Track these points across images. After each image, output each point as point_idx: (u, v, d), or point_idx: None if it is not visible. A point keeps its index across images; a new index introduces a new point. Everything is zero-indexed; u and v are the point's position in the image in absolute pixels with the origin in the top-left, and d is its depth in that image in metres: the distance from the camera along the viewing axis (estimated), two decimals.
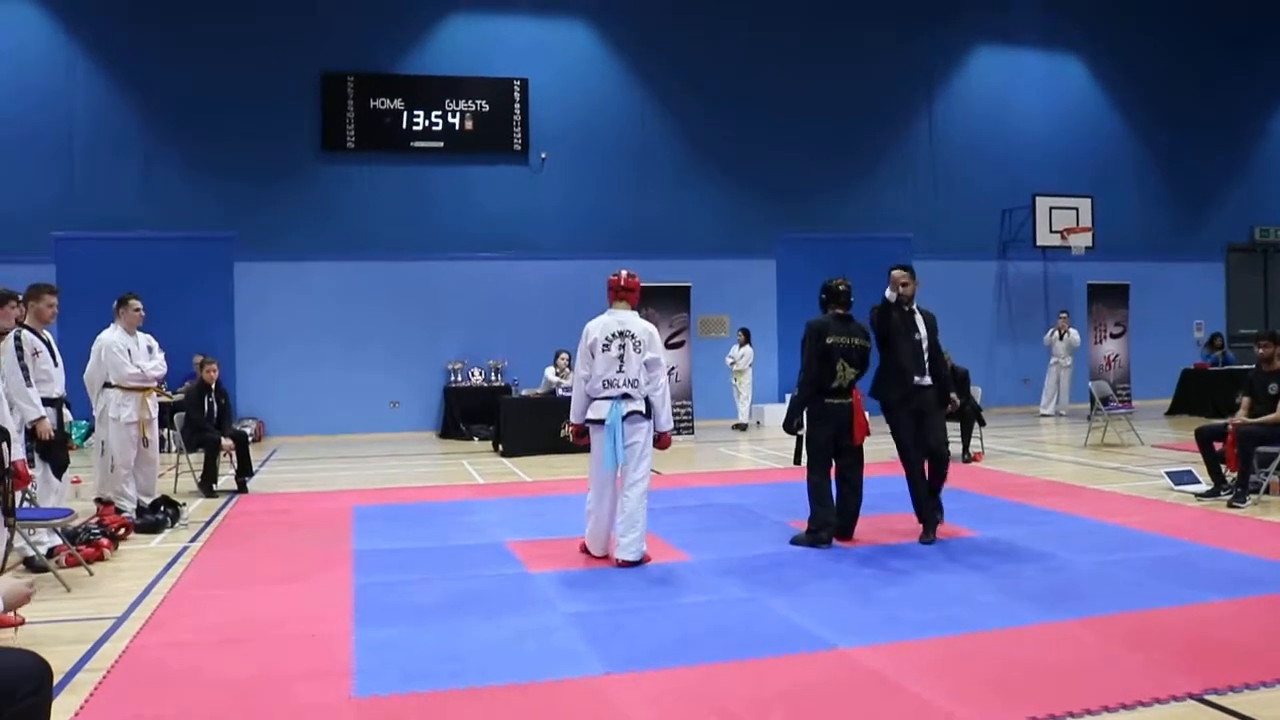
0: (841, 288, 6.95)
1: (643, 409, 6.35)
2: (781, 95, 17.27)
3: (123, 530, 7.34)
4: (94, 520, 7.25)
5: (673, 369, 14.01)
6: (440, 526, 7.86)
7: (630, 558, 6.23)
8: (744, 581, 5.87)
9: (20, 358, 6.54)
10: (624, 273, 6.61)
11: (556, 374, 13.43)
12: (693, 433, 14.79)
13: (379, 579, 6.06)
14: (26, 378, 6.51)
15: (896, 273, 7.01)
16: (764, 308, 17.26)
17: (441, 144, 16.16)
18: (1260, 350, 8.64)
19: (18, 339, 6.60)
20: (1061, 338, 17.13)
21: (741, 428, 15.72)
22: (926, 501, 6.93)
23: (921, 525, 6.93)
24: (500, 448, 13.12)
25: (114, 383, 8.04)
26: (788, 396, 11.75)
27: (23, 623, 5.07)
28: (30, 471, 6.33)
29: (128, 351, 8.12)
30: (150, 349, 8.40)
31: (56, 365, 7.00)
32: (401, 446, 14.35)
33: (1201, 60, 19.49)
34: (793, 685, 4.11)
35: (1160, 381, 17.65)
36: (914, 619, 5.02)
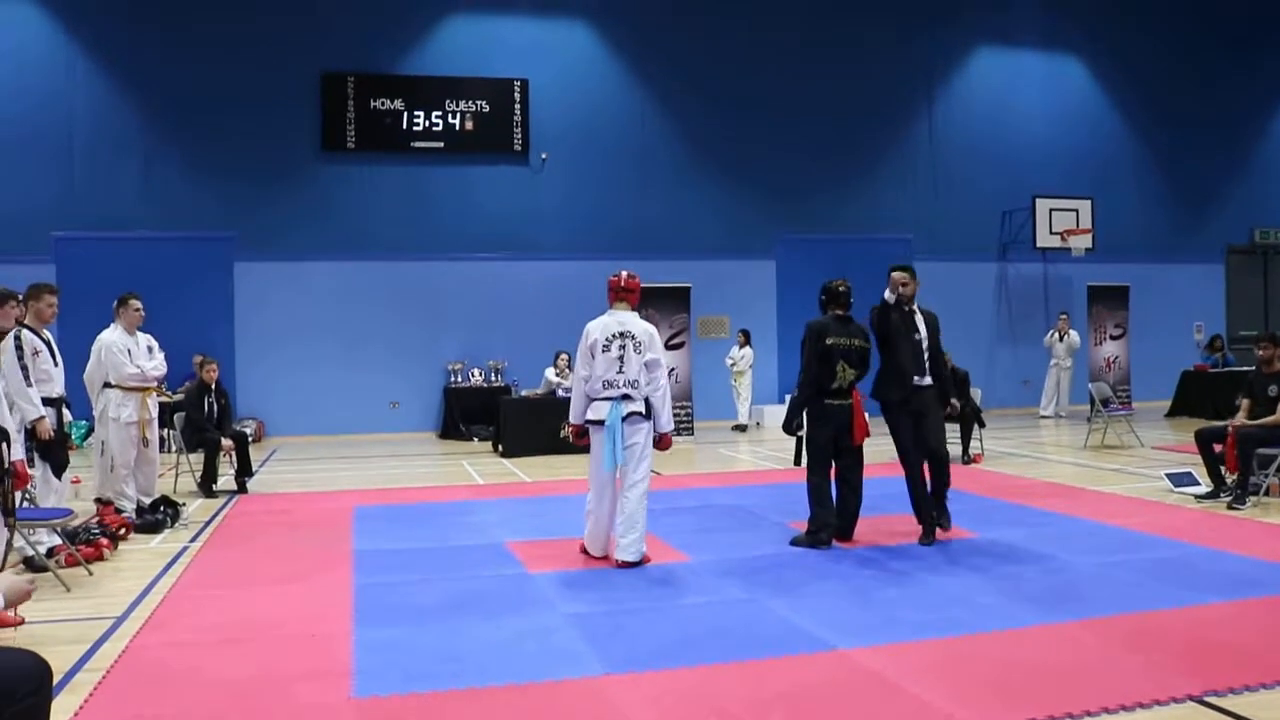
0: (841, 289, 6.95)
1: (643, 410, 6.35)
2: (781, 96, 17.27)
3: (122, 530, 7.34)
4: (94, 520, 7.25)
5: (672, 370, 14.01)
6: (440, 527, 7.86)
7: (630, 558, 6.23)
8: (744, 582, 5.87)
9: (20, 357, 6.54)
10: (624, 273, 6.61)
11: (556, 374, 13.43)
12: (692, 434, 14.79)
13: (379, 579, 6.06)
14: (26, 377, 6.52)
15: (896, 274, 7.00)
16: (764, 308, 17.26)
17: (442, 144, 16.16)
18: (1260, 352, 8.64)
19: (18, 338, 6.60)
20: (1061, 339, 17.13)
21: (741, 429, 15.72)
22: (926, 503, 6.92)
23: (921, 526, 6.92)
24: (500, 448, 13.12)
25: (114, 383, 8.04)
26: (787, 397, 11.74)
27: (22, 622, 5.08)
28: (30, 471, 6.33)
29: (128, 351, 8.12)
30: (150, 349, 8.40)
31: (56, 365, 7.00)
32: (401, 447, 14.35)
33: (1201, 61, 19.50)
34: (792, 686, 4.11)
35: (1160, 383, 17.66)
36: (914, 620, 5.02)
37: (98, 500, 7.87)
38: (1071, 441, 13.47)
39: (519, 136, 16.38)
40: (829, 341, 6.74)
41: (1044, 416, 17.20)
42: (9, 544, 5.71)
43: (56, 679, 3.69)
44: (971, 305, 17.96)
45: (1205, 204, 19.86)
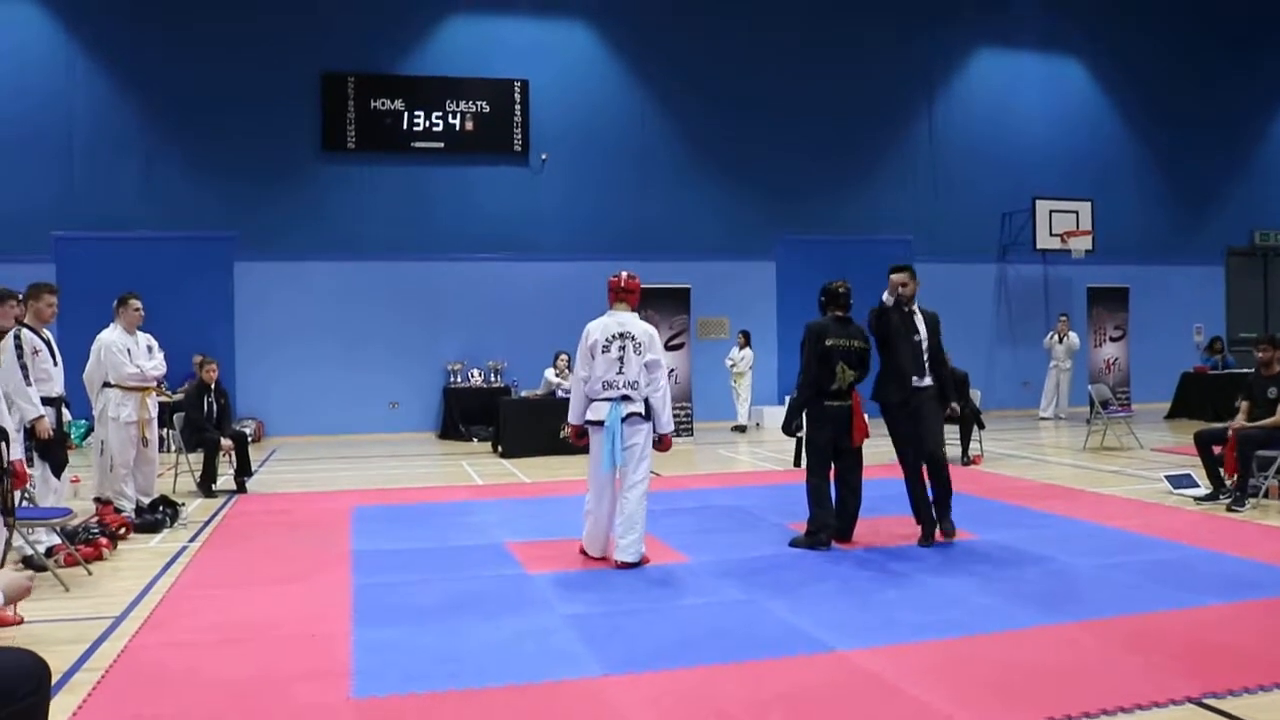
0: (841, 290, 6.95)
1: (642, 411, 6.35)
2: (781, 96, 17.28)
3: (122, 530, 7.34)
4: (93, 520, 7.25)
5: (672, 371, 14.00)
6: (439, 527, 7.86)
7: (629, 559, 6.23)
8: (743, 583, 5.87)
9: (20, 356, 6.55)
10: (624, 274, 6.61)
11: (556, 375, 13.43)
12: (692, 434, 14.79)
13: (378, 579, 6.06)
14: (26, 377, 6.52)
15: (895, 276, 6.98)
16: (763, 309, 17.26)
17: (442, 145, 16.17)
18: (1259, 354, 8.64)
19: (17, 338, 6.60)
20: (1061, 341, 17.13)
21: (741, 430, 15.72)
22: (925, 504, 6.90)
23: (920, 528, 6.92)
24: (499, 449, 13.13)
25: (113, 382, 8.04)
26: (787, 398, 11.74)
27: (21, 621, 5.08)
28: (29, 471, 6.33)
29: (127, 351, 8.12)
30: (150, 349, 8.40)
31: (56, 364, 7.00)
32: (401, 447, 14.35)
33: (1201, 63, 19.51)
34: (791, 687, 4.11)
35: (1159, 385, 17.66)
36: (913, 621, 5.02)
37: (97, 500, 7.87)
38: (1071, 443, 13.47)
39: (519, 137, 16.38)
40: (828, 343, 6.74)
41: (1043, 418, 17.21)
42: (8, 543, 5.71)
43: (55, 678, 3.68)
44: (971, 307, 17.96)
45: (1205, 206, 19.87)
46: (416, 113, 16.06)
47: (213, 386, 10.11)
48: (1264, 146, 20.34)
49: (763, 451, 13.21)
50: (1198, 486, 8.75)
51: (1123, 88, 19.27)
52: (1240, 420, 8.47)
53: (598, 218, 16.58)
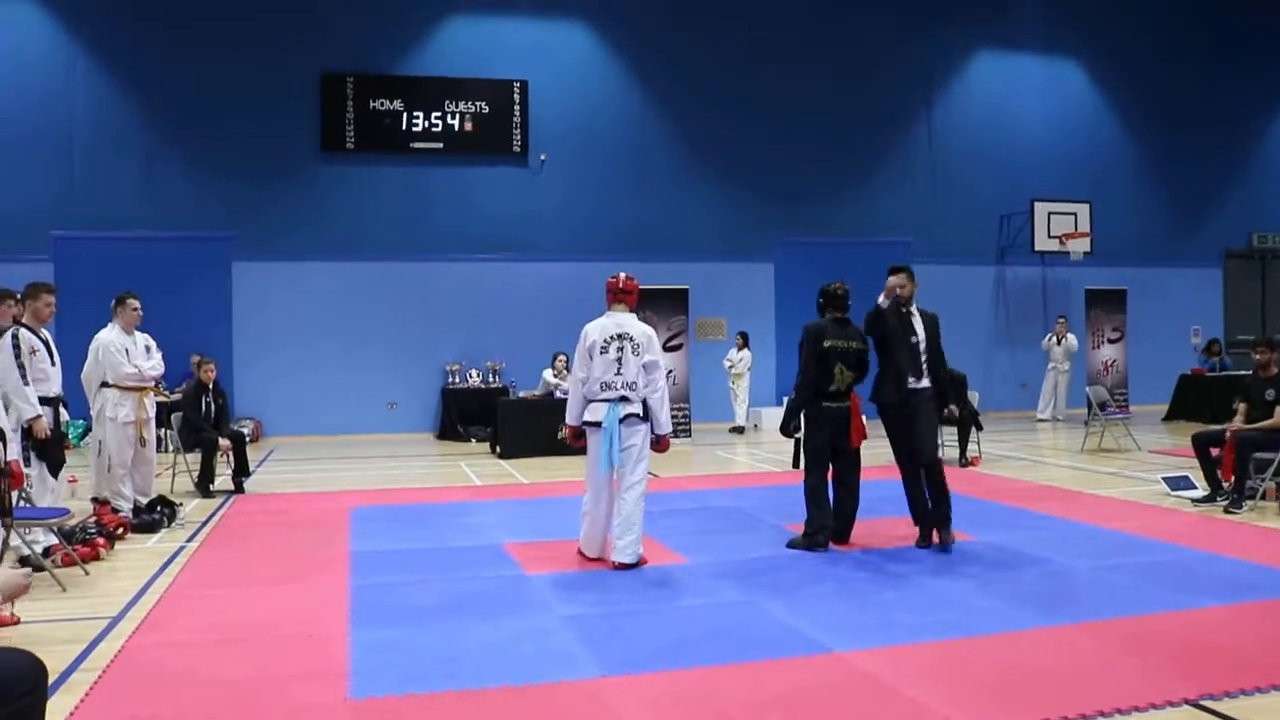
0: (839, 291, 6.95)
1: (640, 412, 6.35)
2: (781, 98, 17.29)
3: (119, 530, 7.34)
4: (90, 520, 7.24)
5: (670, 372, 14.01)
6: (437, 528, 7.86)
7: (627, 560, 6.23)
8: (741, 584, 5.87)
9: (17, 356, 6.54)
10: (622, 275, 6.61)
11: (554, 376, 13.43)
12: (690, 435, 14.79)
13: (376, 580, 6.05)
14: (23, 376, 6.51)
15: (891, 279, 6.94)
16: (762, 311, 17.26)
17: (441, 145, 16.17)
18: (1257, 356, 8.64)
19: (15, 337, 6.60)
20: (1059, 343, 17.15)
21: (739, 431, 15.72)
22: (923, 506, 6.88)
23: (918, 529, 6.91)
24: (498, 449, 13.12)
25: (111, 382, 8.04)
26: (785, 400, 11.74)
27: (18, 621, 5.08)
28: (26, 471, 6.33)
29: (125, 351, 8.11)
30: (148, 348, 8.40)
31: (54, 364, 6.99)
32: (399, 447, 14.34)
33: (1200, 66, 19.53)
34: (789, 688, 4.11)
35: (1157, 387, 17.67)
36: (911, 623, 5.02)
37: (94, 500, 7.86)
38: (1069, 445, 13.48)
39: (518, 138, 16.38)
40: (826, 344, 6.74)
41: (1041, 420, 17.22)
42: (6, 543, 5.70)
43: (52, 679, 3.68)
44: (970, 308, 17.96)
45: (1203, 208, 19.88)
46: (416, 113, 16.06)
47: (211, 386, 10.11)
48: (1262, 149, 20.36)
49: (761, 453, 13.22)
50: (1195, 488, 8.76)
51: (1121, 90, 19.29)
52: (1238, 422, 8.48)
53: (596, 219, 16.58)
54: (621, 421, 6.28)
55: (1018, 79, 18.74)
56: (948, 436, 11.42)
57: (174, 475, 10.04)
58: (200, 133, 15.31)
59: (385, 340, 15.85)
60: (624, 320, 6.44)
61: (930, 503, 6.83)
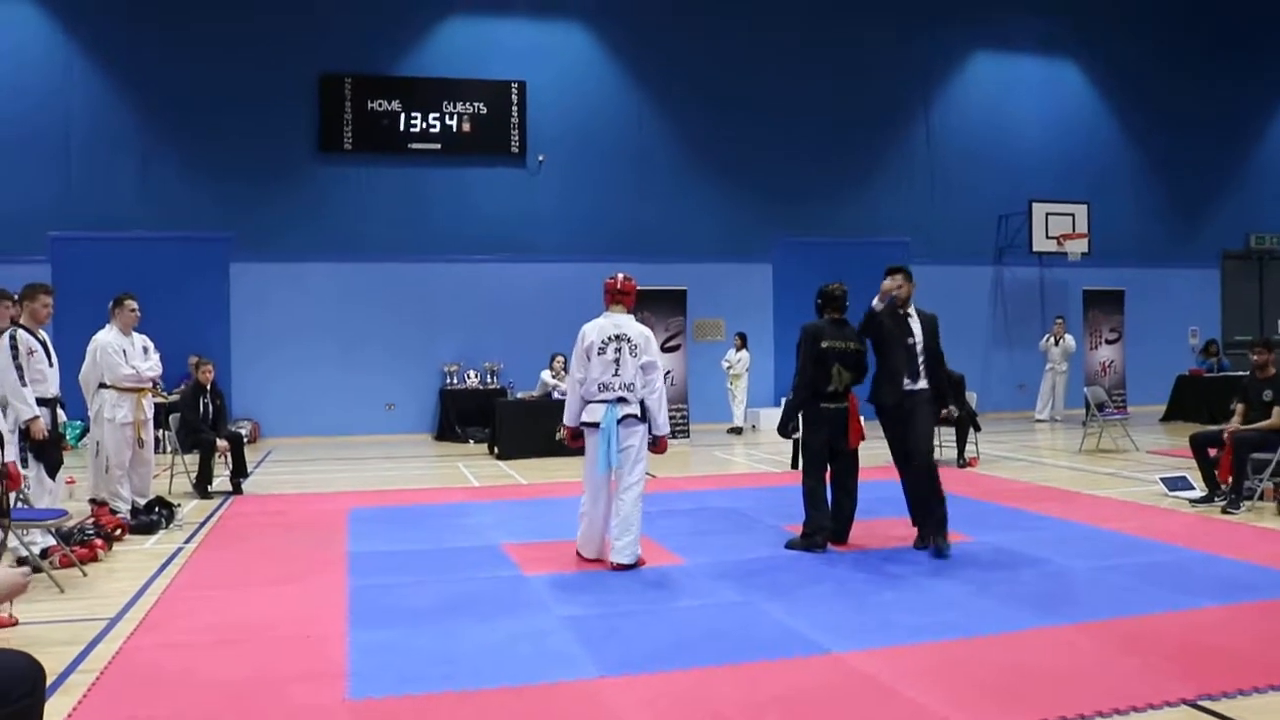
0: (837, 292, 6.95)
1: (638, 412, 6.34)
2: (779, 98, 17.29)
3: (117, 531, 7.33)
4: (88, 521, 7.23)
5: (668, 373, 14.01)
6: (435, 529, 7.86)
7: (625, 561, 6.23)
8: (738, 585, 5.87)
9: (15, 357, 6.54)
10: (620, 276, 6.62)
11: (552, 377, 13.43)
12: (688, 436, 14.80)
13: (374, 581, 6.05)
14: (21, 377, 6.51)
15: (886, 283, 6.92)
16: (760, 312, 17.26)
17: (439, 146, 16.16)
18: (1254, 357, 8.65)
19: (13, 338, 6.60)
20: (1057, 343, 17.16)
21: (737, 431, 15.72)
22: (922, 507, 6.87)
23: (916, 530, 6.91)
24: (495, 450, 13.12)
25: (109, 383, 8.03)
26: (783, 400, 11.76)
27: (16, 623, 5.07)
28: (24, 472, 6.32)
29: (123, 352, 8.11)
30: (146, 349, 8.39)
31: (51, 365, 6.99)
32: (397, 448, 14.33)
33: (1197, 67, 19.55)
34: (787, 689, 4.11)
35: (1155, 387, 17.69)
36: (909, 624, 5.03)
37: (92, 501, 7.85)
38: (1067, 445, 13.49)
39: (516, 138, 16.38)
40: (824, 345, 6.74)
41: (1039, 420, 17.23)
42: (3, 544, 5.70)
43: (50, 680, 3.68)
44: (967, 309, 17.96)
45: (1201, 209, 19.90)
46: (414, 114, 16.05)
47: (209, 387, 10.11)
48: (1259, 150, 20.39)
49: (759, 453, 13.22)
50: (1193, 489, 8.77)
51: (1119, 92, 19.30)
52: (1235, 423, 8.49)
53: (594, 219, 16.58)
54: (619, 422, 6.28)
55: (1016, 80, 18.76)
56: (946, 437, 11.46)
57: (172, 476, 10.03)
58: (198, 133, 15.30)
59: (383, 341, 15.84)
60: (622, 321, 6.44)
61: (926, 506, 6.76)
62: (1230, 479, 8.22)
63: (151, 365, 8.36)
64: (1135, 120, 19.38)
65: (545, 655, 4.58)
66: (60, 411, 7.10)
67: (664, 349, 14.08)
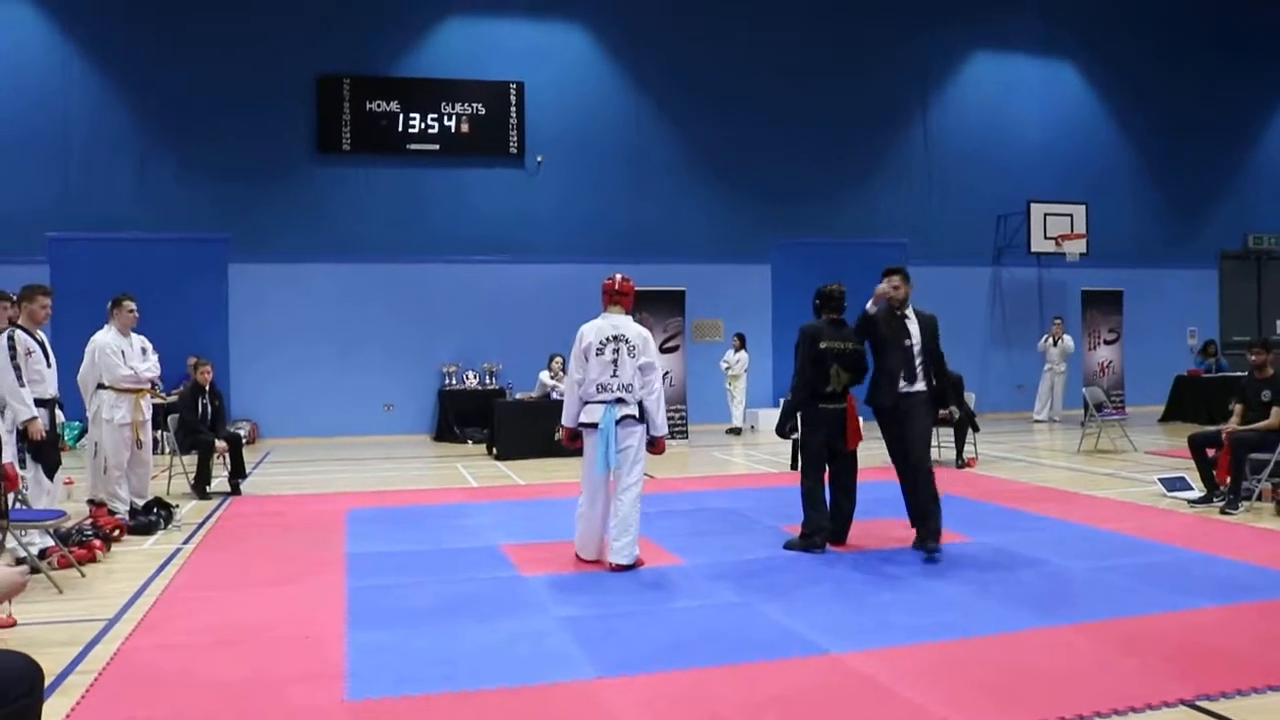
0: (836, 293, 6.95)
1: (636, 413, 6.34)
2: (777, 99, 17.29)
3: (115, 532, 7.33)
4: (87, 521, 7.23)
5: (667, 373, 14.00)
6: (434, 530, 7.85)
7: (623, 561, 6.23)
8: (737, 586, 5.87)
9: (13, 358, 6.53)
10: (618, 277, 6.62)
11: (551, 377, 13.43)
12: (687, 437, 14.80)
13: (372, 582, 6.05)
14: (19, 378, 6.50)
15: (881, 285, 6.91)
16: (759, 312, 17.27)
17: (437, 147, 16.16)
18: (1253, 357, 8.66)
19: (11, 339, 6.59)
20: (1055, 344, 17.17)
21: (736, 432, 15.72)
22: (921, 508, 6.85)
23: (915, 531, 6.90)
24: (494, 451, 13.11)
25: (107, 384, 8.03)
26: (781, 401, 11.77)
27: (14, 623, 5.07)
28: (22, 473, 6.32)
29: (121, 353, 8.11)
30: (144, 350, 8.39)
31: (50, 366, 6.99)
32: (395, 449, 14.33)
33: (1196, 68, 19.56)
34: (786, 690, 4.12)
35: (1154, 388, 17.71)
36: (907, 624, 5.03)
37: (91, 502, 7.85)
38: (1065, 446, 13.50)
39: (514, 139, 16.38)
40: (823, 345, 6.74)
41: (1038, 421, 17.24)
42: (2, 545, 5.70)
43: (48, 681, 3.68)
44: (966, 310, 17.97)
45: (1199, 209, 19.92)
46: (412, 115, 16.05)
47: (207, 388, 10.11)
48: (1257, 150, 20.40)
49: (757, 454, 13.22)
50: (1191, 489, 8.77)
51: (1117, 92, 19.32)
52: (1234, 423, 8.49)
53: (593, 220, 16.58)
54: (618, 423, 6.28)
55: (1014, 80, 18.77)
56: (945, 438, 11.46)
57: (170, 477, 10.03)
58: (196, 134, 15.29)
59: (382, 342, 15.84)
60: (620, 322, 6.44)
61: (919, 509, 6.67)
62: (1229, 479, 8.23)
63: (150, 366, 8.35)
64: (1134, 121, 19.40)
65: (543, 656, 4.58)
66: (58, 412, 7.10)
67: (662, 350, 14.07)
